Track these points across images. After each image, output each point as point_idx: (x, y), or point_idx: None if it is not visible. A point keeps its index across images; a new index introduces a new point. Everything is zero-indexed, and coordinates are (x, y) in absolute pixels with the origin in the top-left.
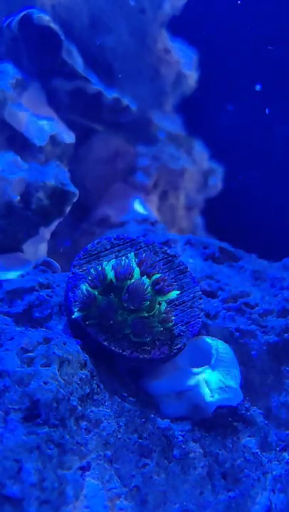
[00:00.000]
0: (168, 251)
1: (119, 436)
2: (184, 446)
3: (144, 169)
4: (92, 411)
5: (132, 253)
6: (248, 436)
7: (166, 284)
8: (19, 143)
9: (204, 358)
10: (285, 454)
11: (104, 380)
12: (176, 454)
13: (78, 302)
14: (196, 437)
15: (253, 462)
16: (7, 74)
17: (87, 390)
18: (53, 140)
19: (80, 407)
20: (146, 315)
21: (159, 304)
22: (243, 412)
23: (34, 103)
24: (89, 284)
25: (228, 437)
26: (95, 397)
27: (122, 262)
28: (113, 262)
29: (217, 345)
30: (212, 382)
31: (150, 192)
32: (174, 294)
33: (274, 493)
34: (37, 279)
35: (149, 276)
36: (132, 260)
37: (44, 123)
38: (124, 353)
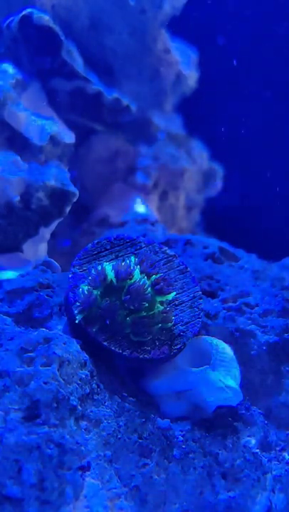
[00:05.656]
0: (168, 251)
1: (119, 436)
2: (184, 446)
3: (144, 169)
4: (92, 411)
5: (133, 256)
6: (248, 436)
7: (166, 284)
8: (19, 143)
9: (204, 358)
10: (285, 454)
11: (104, 380)
12: (176, 454)
13: (78, 302)
14: (196, 437)
15: (253, 462)
16: (7, 74)
17: (87, 390)
18: (53, 140)
19: (80, 407)
20: (146, 314)
21: (160, 303)
22: (243, 412)
23: (34, 103)
24: (89, 284)
25: (228, 437)
26: (95, 397)
27: (123, 263)
28: (114, 262)
29: (217, 345)
30: (212, 382)
31: (150, 192)
32: (172, 295)
33: (274, 493)
34: (37, 279)
35: (149, 276)
36: (132, 261)
37: (44, 123)
38: (124, 353)
